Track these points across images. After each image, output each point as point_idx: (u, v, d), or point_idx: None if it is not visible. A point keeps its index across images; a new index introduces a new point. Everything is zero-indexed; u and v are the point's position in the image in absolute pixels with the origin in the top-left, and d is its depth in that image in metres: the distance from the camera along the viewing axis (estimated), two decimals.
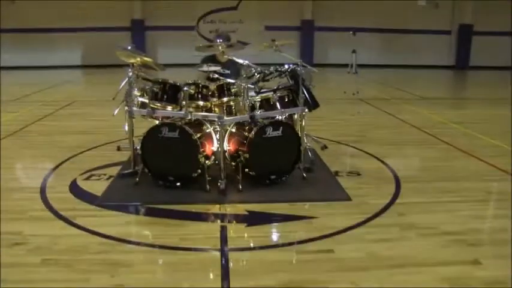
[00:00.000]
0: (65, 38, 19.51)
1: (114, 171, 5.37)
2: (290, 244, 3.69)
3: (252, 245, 3.79)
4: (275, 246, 3.74)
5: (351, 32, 11.40)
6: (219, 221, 4.16)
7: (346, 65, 11.97)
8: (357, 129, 7.94)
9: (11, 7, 17.18)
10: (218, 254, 3.52)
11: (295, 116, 5.38)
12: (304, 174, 5.07)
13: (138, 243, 3.71)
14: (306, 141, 5.43)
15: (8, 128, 7.52)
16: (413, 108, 10.07)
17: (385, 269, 3.29)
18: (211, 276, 3.25)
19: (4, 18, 18.33)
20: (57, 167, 5.60)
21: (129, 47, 5.17)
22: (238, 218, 4.20)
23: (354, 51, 11.57)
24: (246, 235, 3.94)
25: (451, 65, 20.71)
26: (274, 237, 3.98)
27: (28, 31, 19.18)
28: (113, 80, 6.21)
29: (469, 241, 3.72)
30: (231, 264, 3.37)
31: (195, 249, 3.58)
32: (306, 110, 5.21)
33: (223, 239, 3.76)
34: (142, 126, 5.03)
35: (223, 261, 3.41)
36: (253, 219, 4.18)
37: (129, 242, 3.70)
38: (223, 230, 3.94)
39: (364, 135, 7.35)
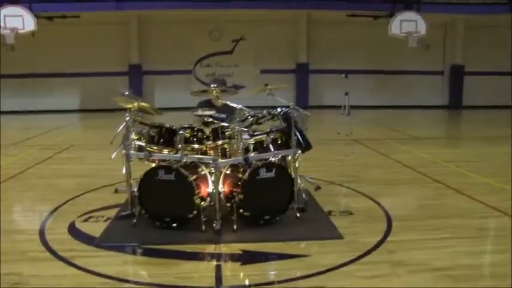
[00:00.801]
0: (63, 82, 19.77)
1: (112, 213, 5.47)
2: (284, 281, 3.75)
3: (246, 283, 3.87)
4: (269, 283, 3.81)
5: (344, 75, 11.64)
6: (214, 260, 4.24)
7: (340, 107, 12.18)
8: (351, 169, 8.08)
9: (11, 54, 17.49)
10: None
11: (289, 157, 5.52)
12: (298, 214, 5.18)
13: (135, 283, 3.78)
14: (299, 181, 5.57)
15: (8, 172, 7.63)
16: (406, 148, 10.25)
17: None
18: None
19: (3, 64, 18.61)
20: (56, 209, 5.69)
21: (127, 93, 5.35)
22: (233, 257, 4.29)
23: (346, 94, 11.78)
24: (240, 274, 4.03)
25: (445, 104, 21.03)
26: (268, 275, 4.05)
27: (26, 76, 19.43)
28: (110, 124, 6.37)
29: (458, 277, 3.79)
30: None
31: None
32: (299, 151, 5.37)
33: (218, 278, 3.84)
34: (139, 169, 5.15)
35: None
36: (248, 258, 4.27)
37: (127, 281, 3.78)
38: (218, 269, 4.02)
39: (357, 175, 7.48)
